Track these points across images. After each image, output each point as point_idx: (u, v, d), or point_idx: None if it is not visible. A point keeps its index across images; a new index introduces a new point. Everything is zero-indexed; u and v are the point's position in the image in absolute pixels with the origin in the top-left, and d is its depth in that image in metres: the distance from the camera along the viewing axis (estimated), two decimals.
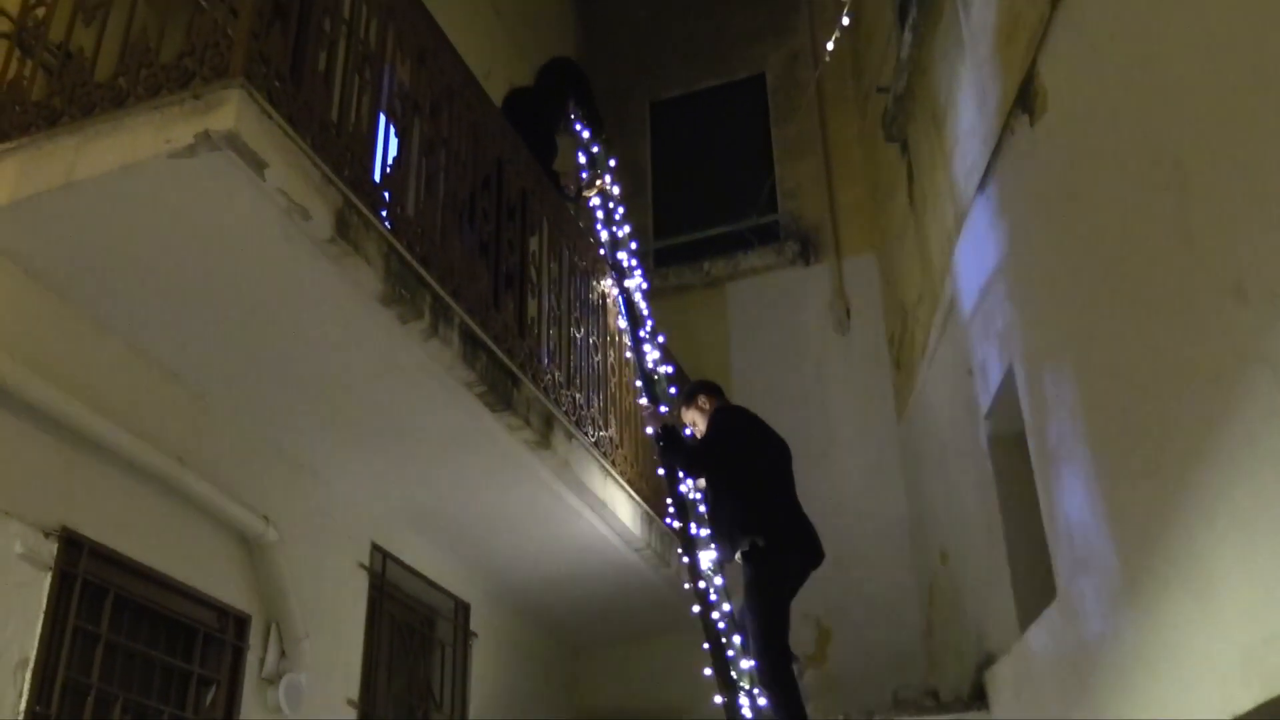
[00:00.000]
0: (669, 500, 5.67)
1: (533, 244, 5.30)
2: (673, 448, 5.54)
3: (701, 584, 5.24)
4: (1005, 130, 4.77)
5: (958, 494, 6.11)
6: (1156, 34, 3.36)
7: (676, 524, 5.60)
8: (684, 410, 5.84)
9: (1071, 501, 4.18)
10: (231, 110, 3.16)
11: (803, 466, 7.72)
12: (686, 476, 5.64)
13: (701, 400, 5.78)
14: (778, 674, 4.93)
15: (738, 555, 5.15)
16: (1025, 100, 4.49)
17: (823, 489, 7.67)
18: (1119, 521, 3.77)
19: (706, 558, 5.34)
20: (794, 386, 8.18)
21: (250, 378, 4.28)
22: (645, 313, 6.45)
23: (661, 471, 5.69)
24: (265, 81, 3.32)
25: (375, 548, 5.45)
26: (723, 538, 5.27)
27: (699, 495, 5.64)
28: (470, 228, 4.72)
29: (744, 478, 5.31)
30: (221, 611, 4.38)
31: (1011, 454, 5.12)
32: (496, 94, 5.63)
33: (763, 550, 5.07)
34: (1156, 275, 3.38)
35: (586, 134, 6.94)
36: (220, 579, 4.39)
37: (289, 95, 3.42)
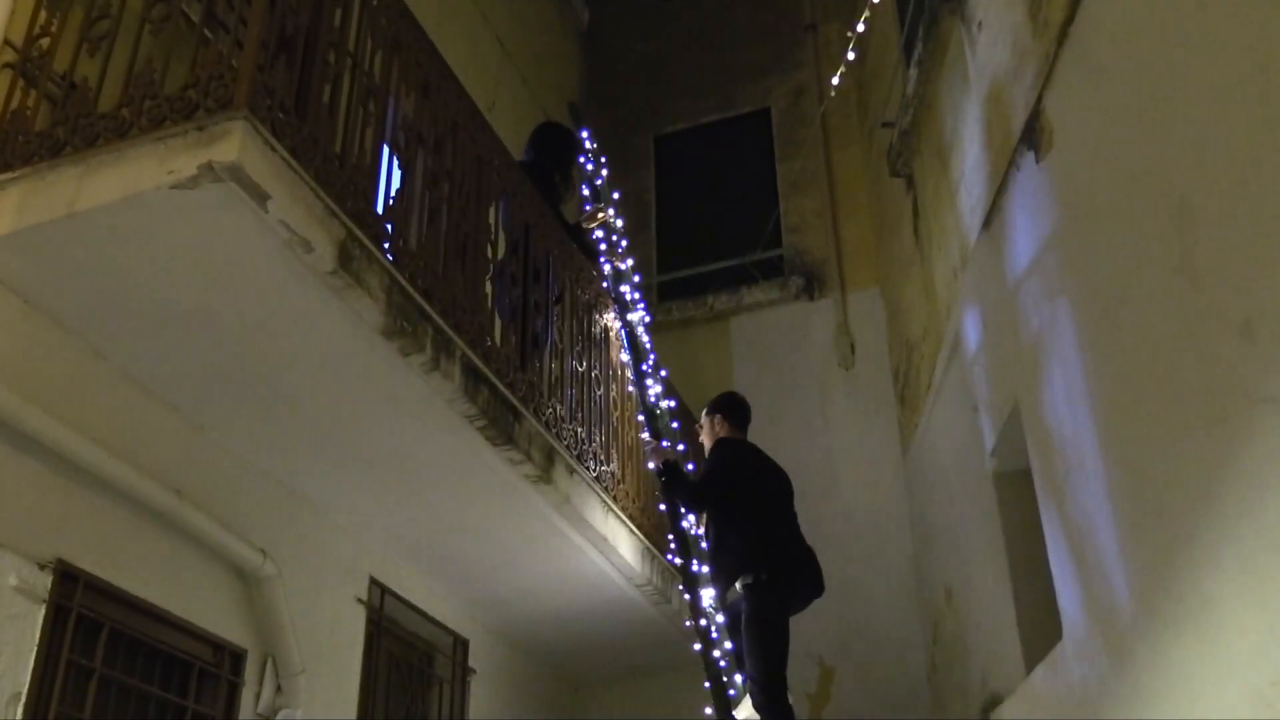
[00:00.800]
0: (671, 536, 5.65)
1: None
2: (674, 483, 5.52)
3: (703, 622, 5.22)
4: (1010, 167, 4.78)
5: (963, 531, 6.09)
6: (1163, 72, 3.37)
7: (678, 560, 5.58)
8: (705, 415, 5.80)
9: (1077, 540, 4.16)
10: (235, 142, 3.17)
11: (806, 502, 7.69)
12: (688, 512, 5.63)
13: (719, 421, 5.71)
14: (777, 699, 4.90)
15: (739, 587, 5.12)
16: (1030, 137, 4.51)
17: (826, 525, 7.66)
18: (1126, 561, 3.75)
19: (708, 595, 5.32)
20: (798, 422, 8.17)
21: (249, 410, 4.28)
22: (648, 346, 6.45)
23: (663, 507, 5.68)
24: (269, 113, 3.33)
25: (373, 582, 5.42)
26: (723, 570, 5.23)
27: (700, 531, 5.62)
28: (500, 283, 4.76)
29: (746, 511, 5.28)
30: (217, 646, 4.35)
31: (1017, 491, 5.11)
32: (501, 127, 5.65)
33: (765, 584, 5.05)
34: (1163, 314, 3.37)
35: (589, 166, 6.96)
36: (216, 613, 4.37)
37: (293, 127, 3.44)
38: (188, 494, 4.19)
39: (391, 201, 4.09)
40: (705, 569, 5.41)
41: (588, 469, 5.28)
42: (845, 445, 8.06)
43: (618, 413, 6.00)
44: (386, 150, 4.23)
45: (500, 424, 4.48)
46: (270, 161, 3.29)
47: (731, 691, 5.07)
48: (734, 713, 5.01)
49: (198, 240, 3.43)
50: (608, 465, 5.60)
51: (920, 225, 6.86)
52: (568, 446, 5.09)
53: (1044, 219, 4.45)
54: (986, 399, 5.40)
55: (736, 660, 5.19)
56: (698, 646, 5.16)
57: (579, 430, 5.31)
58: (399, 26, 4.28)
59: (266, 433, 4.42)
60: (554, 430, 4.97)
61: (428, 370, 4.05)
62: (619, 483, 5.72)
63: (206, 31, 3.59)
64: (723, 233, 9.24)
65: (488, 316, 4.61)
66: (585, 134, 7.43)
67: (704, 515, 5.55)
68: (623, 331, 6.30)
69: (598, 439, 5.56)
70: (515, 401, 4.61)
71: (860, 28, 6.97)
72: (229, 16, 3.59)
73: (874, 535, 7.68)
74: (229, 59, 3.37)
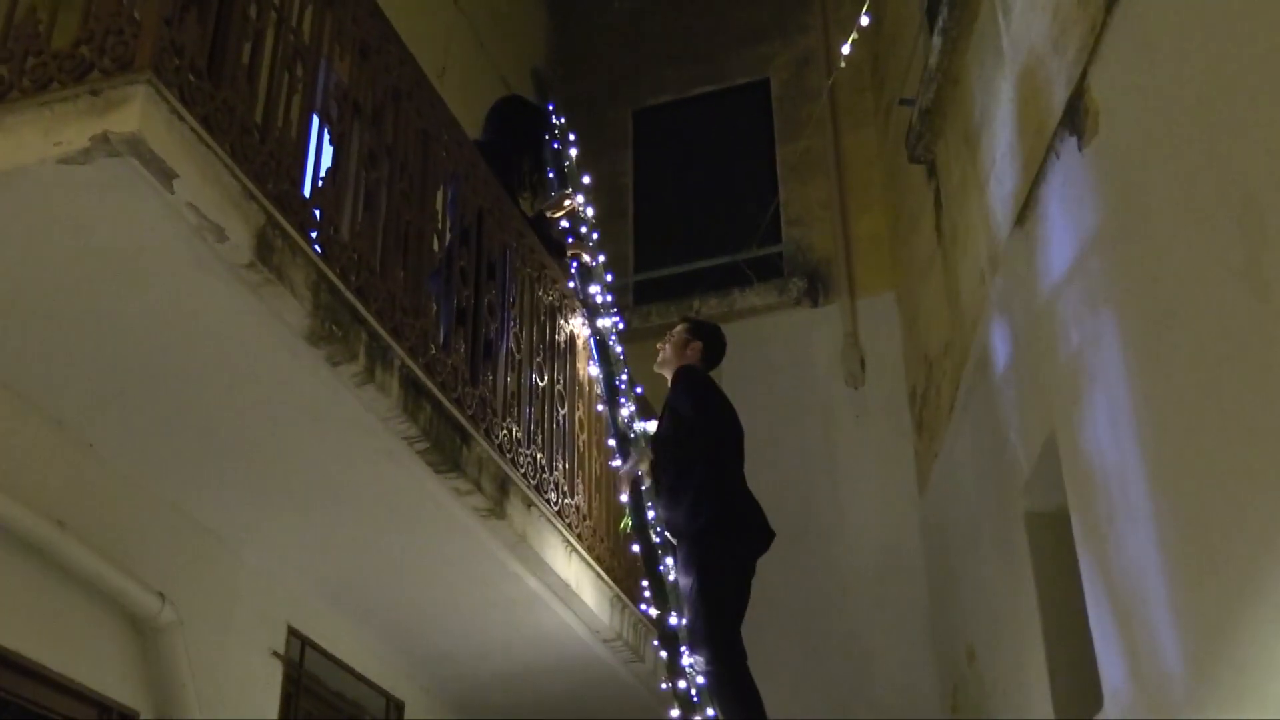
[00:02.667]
0: (645, 582, 5.66)
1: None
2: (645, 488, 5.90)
3: (682, 684, 5.22)
4: (1049, 153, 4.81)
5: (989, 580, 6.11)
6: (1229, 47, 3.40)
7: (654, 611, 5.57)
8: (683, 329, 6.29)
9: (1122, 594, 4.18)
10: (136, 110, 3.14)
11: (807, 543, 7.72)
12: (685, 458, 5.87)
13: (696, 350, 6.17)
14: (727, 671, 5.20)
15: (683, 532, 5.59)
16: (1073, 120, 4.54)
17: (830, 570, 7.71)
18: (1179, 620, 3.77)
19: (688, 656, 5.32)
20: (798, 448, 8.21)
21: (148, 426, 4.25)
22: (621, 358, 6.45)
23: (625, 497, 5.96)
24: (177, 76, 3.31)
25: (292, 632, 5.40)
26: (679, 510, 5.66)
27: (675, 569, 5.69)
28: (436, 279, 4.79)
29: (709, 451, 5.72)
30: (103, 708, 4.32)
31: (1053, 534, 5.13)
32: (452, 97, 5.65)
33: (709, 528, 5.49)
34: (1224, 329, 3.39)
35: (555, 145, 6.97)
36: (104, 668, 4.34)
37: (205, 94, 3.42)
38: (72, 525, 4.15)
39: (321, 183, 4.08)
40: (684, 620, 5.46)
41: (548, 501, 5.28)
42: (853, 477, 8.10)
43: (584, 436, 6.00)
44: (316, 122, 4.21)
45: (445, 447, 4.47)
46: (177, 133, 3.27)
47: None
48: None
49: (89, 224, 3.41)
50: (571, 498, 5.60)
51: (943, 220, 6.90)
52: (525, 475, 5.09)
53: (1087, 215, 4.48)
54: (1018, 426, 5.43)
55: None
56: (676, 713, 5.16)
57: (538, 455, 5.30)
58: None
59: (167, 454, 4.40)
60: (509, 455, 4.97)
61: (360, 382, 4.04)
62: (585, 519, 5.72)
63: None
64: (712, 225, 9.28)
65: (432, 320, 4.60)
66: (551, 107, 7.45)
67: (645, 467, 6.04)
68: (592, 340, 6.30)
69: (560, 466, 5.56)
70: (463, 421, 4.60)
71: None
72: None
73: (886, 581, 7.71)
74: (130, 10, 3.35)
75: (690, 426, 5.83)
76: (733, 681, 5.20)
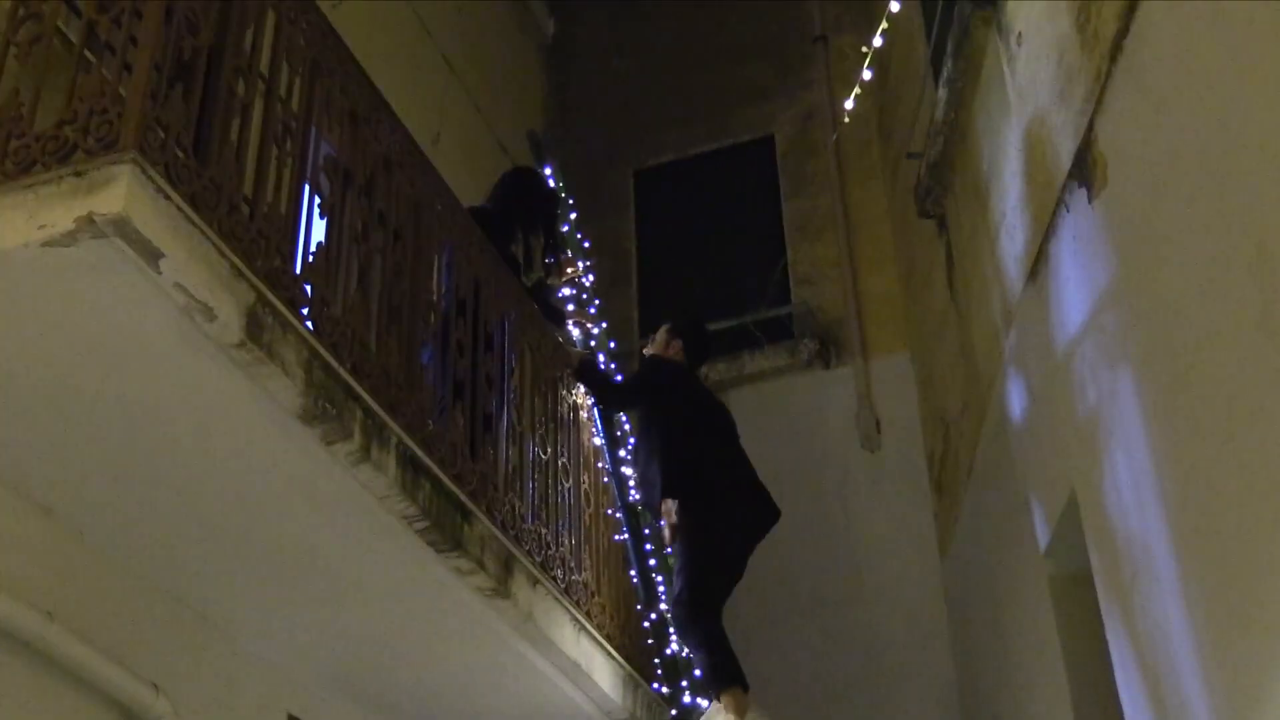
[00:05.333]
0: (658, 660, 5.66)
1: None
2: (588, 376, 6.28)
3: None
4: (1059, 206, 4.86)
5: (1014, 646, 6.09)
6: (1234, 93, 3.44)
7: (665, 689, 5.57)
8: (666, 331, 6.61)
9: (1149, 660, 4.18)
10: (121, 190, 3.20)
11: (825, 612, 7.69)
12: (600, 404, 6.40)
13: (678, 349, 6.49)
14: (701, 623, 5.51)
15: (670, 507, 5.85)
16: (1081, 170, 4.59)
17: (849, 639, 7.67)
18: (1209, 687, 3.76)
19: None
20: (813, 515, 8.18)
21: (139, 512, 4.27)
22: (627, 428, 6.48)
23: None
24: (163, 154, 3.37)
25: None
26: (649, 494, 6.02)
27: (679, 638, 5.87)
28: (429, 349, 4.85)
29: (665, 437, 6.01)
30: None
31: (1078, 598, 5.12)
32: (447, 163, 5.72)
33: (690, 499, 5.78)
34: (1244, 384, 3.42)
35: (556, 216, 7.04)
36: None
37: (192, 171, 3.48)
38: (61, 616, 4.15)
39: (312, 257, 4.13)
40: (701, 702, 5.51)
41: (554, 579, 5.28)
42: (871, 543, 8.07)
43: (590, 509, 6.01)
44: (306, 195, 4.27)
45: (446, 525, 4.48)
46: (164, 212, 3.32)
47: None
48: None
49: (75, 307, 3.45)
50: (579, 574, 5.60)
51: (955, 276, 6.94)
52: (529, 552, 5.09)
53: (1099, 268, 4.52)
54: (1038, 487, 5.43)
55: None
56: None
57: (543, 531, 5.31)
58: (320, 48, 4.34)
59: (159, 540, 4.41)
60: (512, 532, 4.98)
61: (356, 461, 4.06)
62: (593, 595, 5.72)
63: (88, 53, 3.63)
64: (718, 287, 9.30)
65: (429, 395, 4.63)
66: (549, 170, 7.52)
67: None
68: (595, 409, 6.33)
69: (566, 541, 5.56)
70: (464, 498, 4.62)
71: (878, 41, 7.07)
72: (115, 35, 3.63)
73: (908, 651, 7.67)
74: (115, 88, 3.41)
75: (639, 400, 6.30)
76: (701, 632, 5.49)
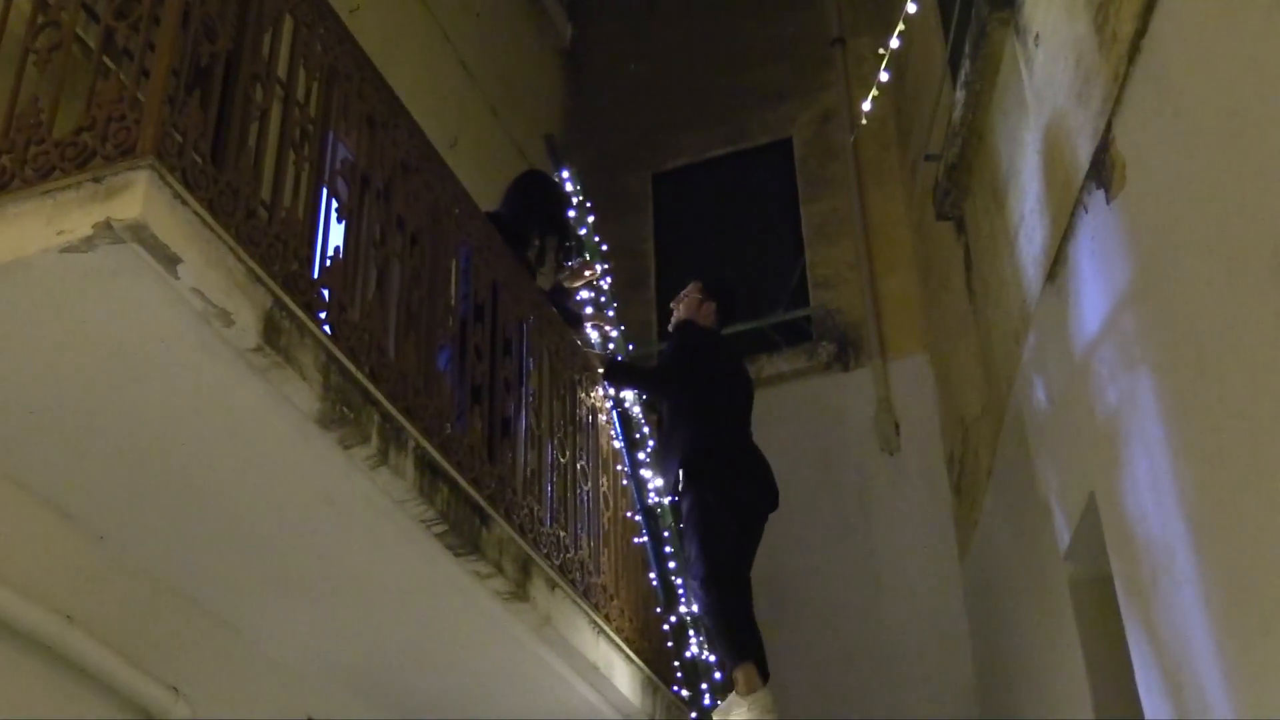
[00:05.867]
0: (677, 663, 5.65)
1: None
2: (621, 373, 6.28)
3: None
4: (1077, 207, 4.85)
5: (1034, 649, 6.07)
6: (1252, 93, 3.43)
7: (685, 692, 5.56)
8: (697, 288, 6.58)
9: (1170, 663, 4.16)
10: (138, 195, 3.22)
11: (843, 618, 7.67)
12: (645, 392, 6.50)
13: (710, 310, 6.52)
14: (725, 602, 5.60)
15: (681, 479, 5.92)
16: (1099, 172, 4.57)
17: (868, 645, 7.65)
18: (1231, 690, 3.74)
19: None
20: (832, 518, 8.18)
21: (158, 516, 4.28)
22: (646, 430, 6.48)
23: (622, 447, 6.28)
24: (180, 160, 3.39)
25: None
26: (668, 455, 6.08)
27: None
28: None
29: (697, 404, 6.05)
30: None
31: (1099, 601, 5.11)
32: (464, 167, 5.72)
33: (703, 474, 5.84)
34: (1264, 385, 3.40)
35: (572, 213, 7.04)
36: None
37: (209, 176, 3.49)
38: (81, 619, 4.17)
39: (330, 261, 4.14)
40: (721, 703, 5.50)
41: (573, 582, 5.28)
42: (890, 547, 8.05)
43: (609, 512, 6.01)
44: (323, 200, 4.28)
45: (464, 529, 4.49)
46: (181, 218, 3.33)
47: None
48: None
49: (94, 313, 3.47)
50: (597, 576, 5.60)
51: (974, 278, 6.92)
52: (547, 555, 5.09)
53: (1118, 270, 4.50)
54: (1057, 488, 5.42)
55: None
56: None
57: (561, 534, 5.32)
58: (338, 53, 4.36)
59: (178, 543, 4.43)
60: (530, 535, 4.98)
61: (374, 465, 4.07)
62: (611, 598, 5.71)
63: (106, 59, 3.65)
64: (737, 290, 9.27)
65: (446, 399, 4.64)
66: (566, 174, 7.52)
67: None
68: (614, 412, 6.32)
69: (585, 545, 5.56)
70: (482, 501, 4.63)
71: (896, 43, 7.06)
72: (133, 41, 3.65)
73: (928, 656, 7.65)
74: (132, 94, 3.43)
75: (686, 373, 6.21)
76: (723, 611, 5.58)
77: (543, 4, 10.32)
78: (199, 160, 3.48)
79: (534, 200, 6.56)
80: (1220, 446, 3.72)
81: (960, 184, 6.91)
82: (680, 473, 5.95)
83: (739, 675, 5.47)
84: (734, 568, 5.74)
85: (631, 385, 6.39)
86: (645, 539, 6.17)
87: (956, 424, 7.70)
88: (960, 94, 6.49)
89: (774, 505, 6.07)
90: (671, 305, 6.70)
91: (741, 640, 5.54)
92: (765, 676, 5.46)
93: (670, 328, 6.61)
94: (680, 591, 6.12)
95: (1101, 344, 4.72)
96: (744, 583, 5.78)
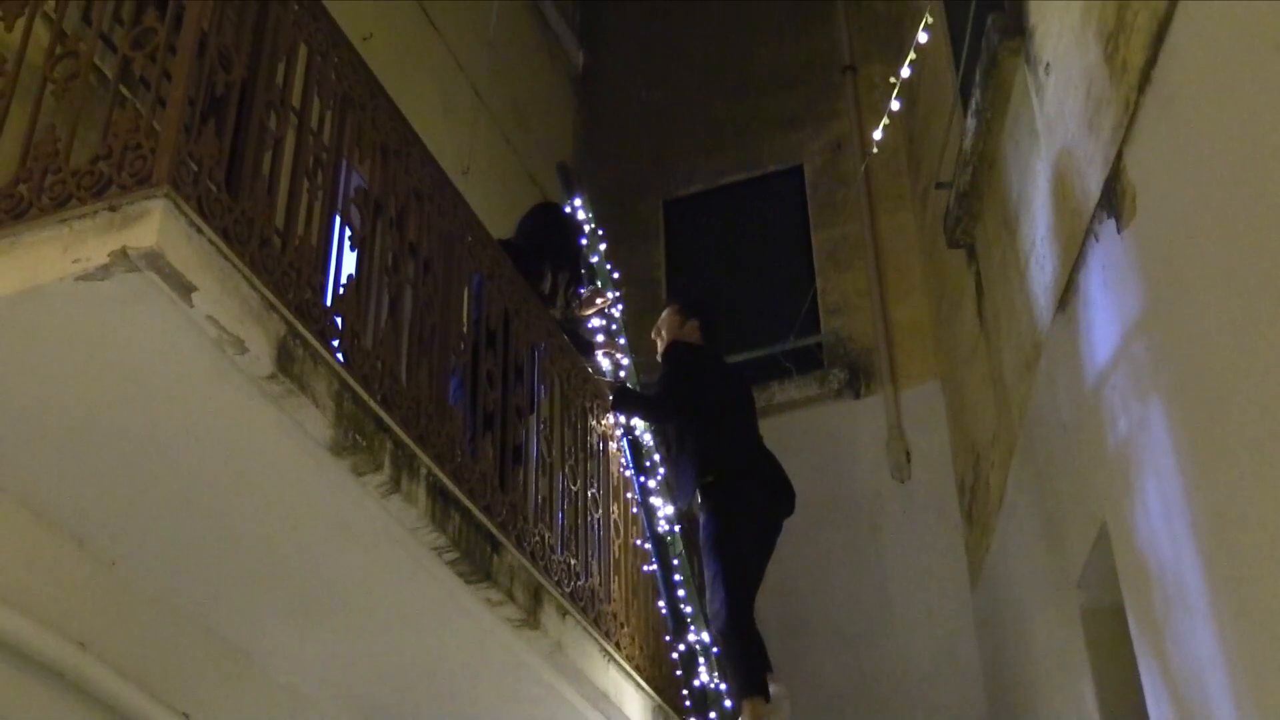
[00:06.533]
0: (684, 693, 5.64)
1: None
2: (629, 401, 6.22)
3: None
4: (1088, 236, 4.85)
5: (1046, 679, 6.05)
6: (1263, 122, 3.44)
7: None
8: (675, 310, 6.60)
9: (1182, 697, 4.14)
10: (154, 224, 3.23)
11: (854, 648, 7.64)
12: (651, 421, 6.49)
13: (693, 327, 6.50)
14: (741, 629, 5.60)
15: (698, 493, 5.94)
16: (1110, 201, 4.58)
17: (878, 674, 7.63)
18: None
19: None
20: (843, 546, 8.16)
21: (171, 543, 4.29)
22: (656, 458, 6.48)
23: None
24: (195, 189, 3.41)
25: None
26: (680, 479, 6.09)
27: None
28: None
29: (703, 417, 6.07)
30: None
31: (1109, 630, 5.10)
32: (477, 194, 5.75)
33: (721, 488, 5.85)
34: (1275, 412, 3.40)
35: (583, 241, 7.06)
36: None
37: (224, 205, 3.51)
38: (94, 646, 4.18)
39: (343, 290, 4.16)
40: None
41: (583, 609, 5.27)
42: (902, 575, 8.04)
43: (619, 540, 6.01)
44: (337, 228, 4.30)
45: (475, 556, 4.49)
46: (196, 246, 3.35)
47: None
48: None
49: (109, 341, 3.49)
50: (608, 604, 5.60)
51: (985, 305, 6.93)
52: (558, 582, 5.09)
53: (1129, 299, 4.51)
54: (1069, 518, 5.41)
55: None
56: None
57: (572, 561, 5.31)
58: (351, 81, 4.39)
59: (191, 570, 4.43)
60: (541, 562, 4.98)
61: (386, 493, 4.08)
62: (622, 626, 5.71)
63: (123, 89, 3.68)
64: (747, 317, 9.29)
65: (458, 426, 4.65)
66: (579, 201, 7.55)
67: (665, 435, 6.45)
68: (624, 440, 6.33)
69: (596, 572, 5.56)
70: (493, 529, 4.63)
71: (907, 71, 7.09)
72: (150, 71, 3.68)
73: (939, 685, 7.62)
74: (148, 123, 3.46)
75: (673, 400, 6.20)
76: (739, 639, 5.59)
77: (555, 31, 10.38)
78: (214, 189, 3.50)
79: (549, 233, 6.58)
80: (1233, 477, 3.72)
81: (971, 212, 6.92)
82: (697, 492, 5.96)
83: (746, 709, 5.47)
84: (750, 591, 5.77)
85: (637, 413, 6.39)
86: (655, 567, 6.16)
87: (968, 452, 7.70)
88: (971, 122, 6.51)
89: (791, 509, 6.10)
90: (653, 335, 6.71)
91: (752, 672, 5.55)
92: (767, 698, 5.51)
93: (659, 356, 6.61)
94: (689, 619, 6.11)
95: (1113, 373, 4.72)
96: (753, 603, 5.82)
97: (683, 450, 6.11)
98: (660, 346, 6.59)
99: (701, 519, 5.91)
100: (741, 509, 5.89)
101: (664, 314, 6.67)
